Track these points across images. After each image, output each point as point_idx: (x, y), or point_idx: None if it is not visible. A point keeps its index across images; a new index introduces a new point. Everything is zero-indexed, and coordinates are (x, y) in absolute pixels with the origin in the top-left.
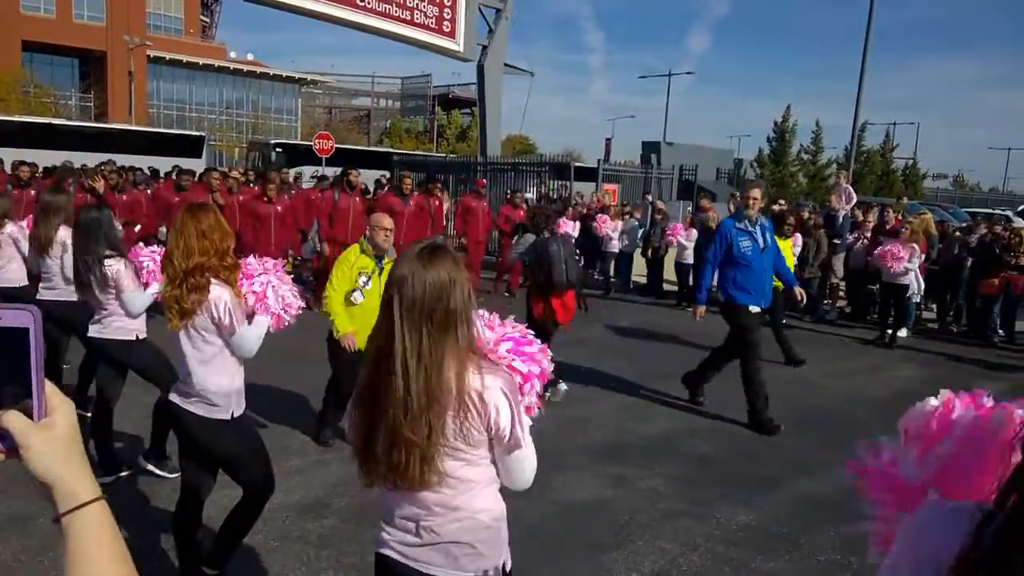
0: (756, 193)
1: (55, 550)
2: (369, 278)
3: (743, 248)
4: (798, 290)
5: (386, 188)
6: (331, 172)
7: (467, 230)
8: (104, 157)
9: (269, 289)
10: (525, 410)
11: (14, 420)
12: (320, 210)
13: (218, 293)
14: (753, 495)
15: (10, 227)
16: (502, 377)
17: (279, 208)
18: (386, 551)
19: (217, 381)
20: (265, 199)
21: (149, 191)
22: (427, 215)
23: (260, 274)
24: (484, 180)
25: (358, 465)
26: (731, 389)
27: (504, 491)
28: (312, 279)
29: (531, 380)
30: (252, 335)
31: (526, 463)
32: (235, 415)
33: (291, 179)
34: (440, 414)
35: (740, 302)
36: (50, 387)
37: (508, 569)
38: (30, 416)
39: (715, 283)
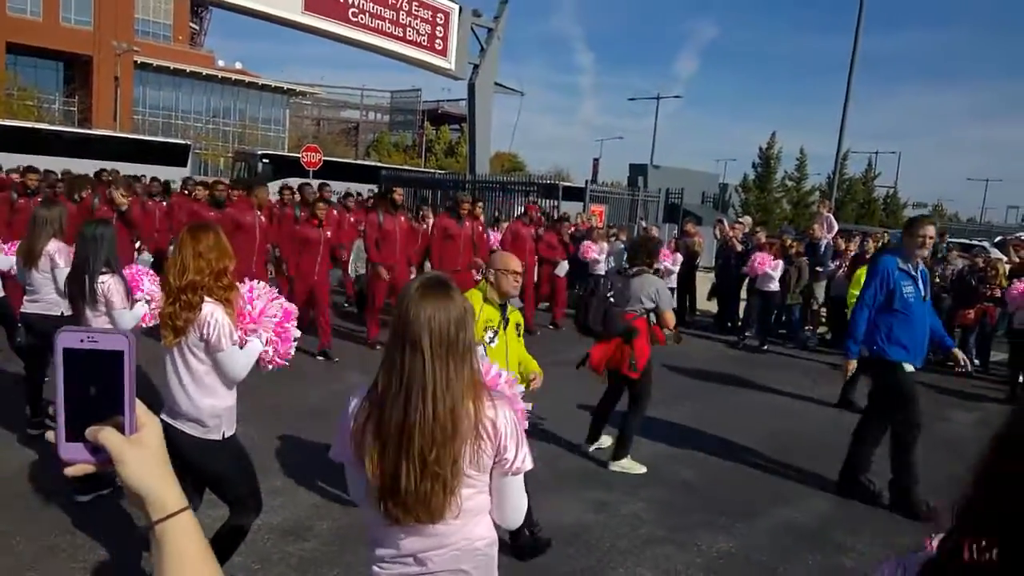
0: (931, 231)
1: (36, 567)
2: (496, 333)
3: (906, 294)
4: (959, 354)
5: (414, 208)
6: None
7: (445, 256)
8: (88, 163)
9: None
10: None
11: (110, 436)
12: (364, 234)
13: (209, 310)
14: (734, 522)
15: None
16: (509, 405)
17: (328, 233)
18: None
19: (210, 401)
20: (315, 222)
21: (164, 203)
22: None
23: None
24: (536, 205)
25: (384, 506)
26: (712, 414)
27: None
28: (354, 308)
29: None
30: (239, 357)
31: (521, 494)
32: (226, 435)
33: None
34: (462, 444)
35: (894, 358)
36: (139, 405)
37: None
38: (122, 431)
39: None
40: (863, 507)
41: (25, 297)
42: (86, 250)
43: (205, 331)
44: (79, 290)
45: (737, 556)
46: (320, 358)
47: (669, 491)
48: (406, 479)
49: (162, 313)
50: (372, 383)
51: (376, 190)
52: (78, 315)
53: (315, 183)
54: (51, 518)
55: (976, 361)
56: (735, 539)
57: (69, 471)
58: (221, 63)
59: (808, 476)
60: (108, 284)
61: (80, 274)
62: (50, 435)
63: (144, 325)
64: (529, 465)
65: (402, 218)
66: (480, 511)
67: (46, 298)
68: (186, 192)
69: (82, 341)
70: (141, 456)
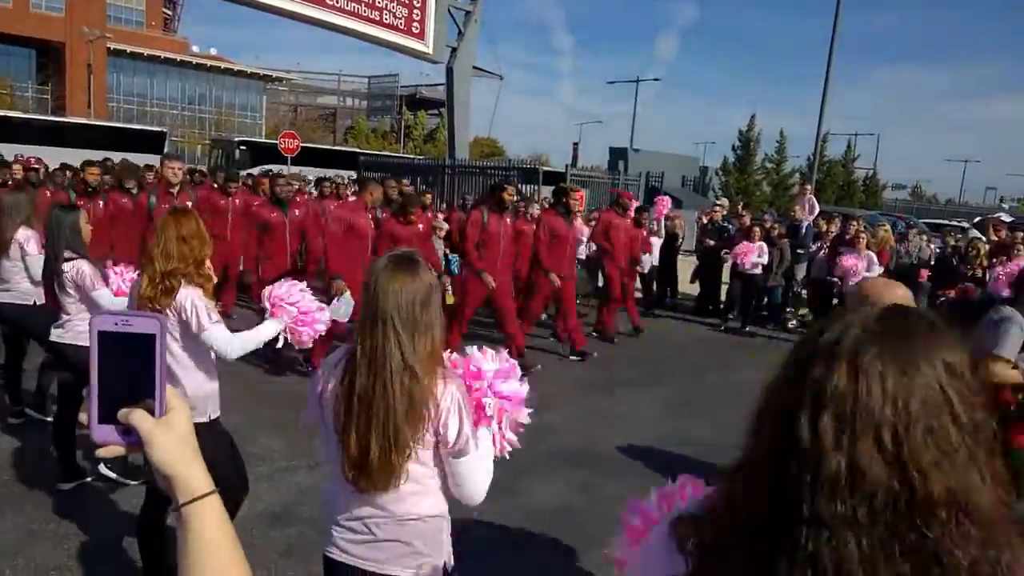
0: None
1: (22, 553)
2: None
3: None
4: None
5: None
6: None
7: (553, 256)
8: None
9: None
10: (502, 439)
11: (140, 418)
12: (464, 234)
13: (185, 294)
14: None
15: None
16: (456, 383)
17: (420, 226)
18: (331, 552)
19: (193, 382)
20: (403, 222)
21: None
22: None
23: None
24: (631, 192)
25: (353, 472)
26: (696, 396)
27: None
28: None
29: (507, 411)
30: (224, 335)
31: (477, 474)
32: (212, 416)
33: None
34: (416, 418)
35: None
36: (169, 388)
37: (450, 569)
38: (152, 414)
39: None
40: None
41: None
42: (50, 237)
43: (184, 315)
44: (49, 277)
45: None
46: None
47: (653, 473)
48: (373, 449)
49: (141, 296)
50: (349, 352)
51: (356, 176)
52: (52, 303)
53: (344, 174)
54: (35, 505)
55: None
56: None
57: (100, 452)
58: (195, 49)
59: None
60: (76, 268)
61: (49, 261)
62: (83, 416)
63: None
64: (475, 449)
65: (508, 220)
66: (426, 485)
67: (18, 287)
68: (247, 186)
69: (116, 324)
70: (170, 439)
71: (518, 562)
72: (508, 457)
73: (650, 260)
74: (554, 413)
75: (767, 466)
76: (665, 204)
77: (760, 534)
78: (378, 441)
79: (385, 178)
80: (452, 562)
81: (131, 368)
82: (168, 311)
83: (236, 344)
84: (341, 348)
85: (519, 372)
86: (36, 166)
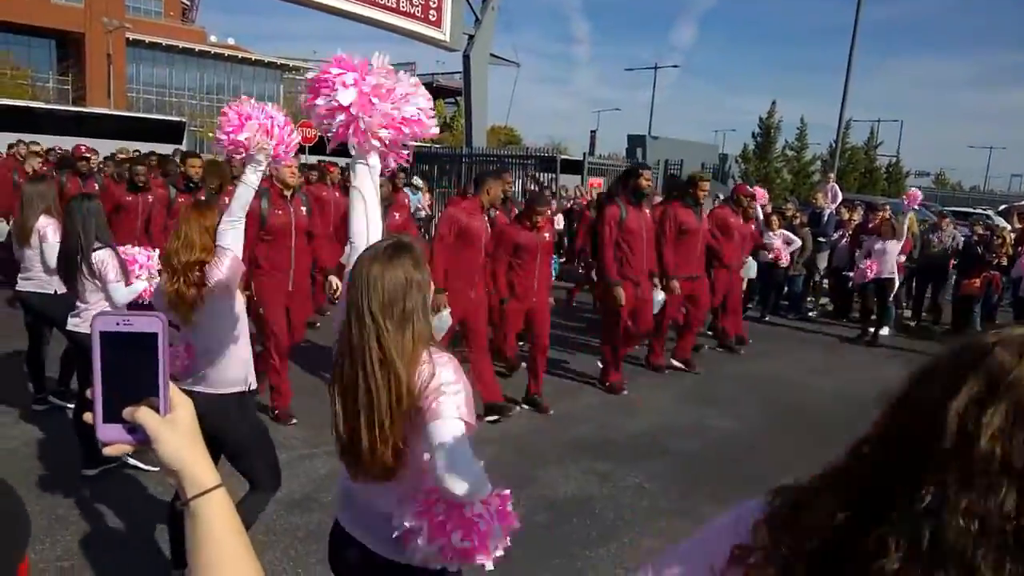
0: None
1: (47, 539)
2: None
3: None
4: None
5: (664, 196)
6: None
7: (681, 253)
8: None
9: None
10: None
11: (146, 416)
12: (601, 234)
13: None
14: (738, 494)
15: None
16: (448, 367)
17: (547, 235)
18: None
19: (235, 351)
20: (529, 226)
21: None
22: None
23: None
24: (744, 184)
25: (347, 461)
26: (713, 387)
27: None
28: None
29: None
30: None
31: (461, 456)
32: (251, 386)
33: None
34: (401, 406)
35: None
36: (172, 385)
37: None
38: (157, 411)
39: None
40: None
41: (20, 275)
42: (75, 226)
43: (211, 282)
44: (71, 266)
45: None
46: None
47: (671, 462)
48: (363, 441)
49: (169, 291)
50: (337, 342)
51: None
52: (73, 292)
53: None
54: (60, 491)
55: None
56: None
57: (107, 451)
58: (213, 39)
59: (811, 447)
60: (103, 259)
61: (71, 250)
62: (88, 416)
63: (143, 300)
64: (454, 414)
65: (647, 211)
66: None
67: (39, 276)
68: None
69: (118, 324)
70: (175, 435)
71: (536, 552)
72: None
73: (755, 267)
74: (572, 403)
75: (900, 448)
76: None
77: (874, 519)
78: (367, 434)
79: (503, 171)
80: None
81: (134, 367)
82: (203, 298)
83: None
84: None
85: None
86: (88, 154)
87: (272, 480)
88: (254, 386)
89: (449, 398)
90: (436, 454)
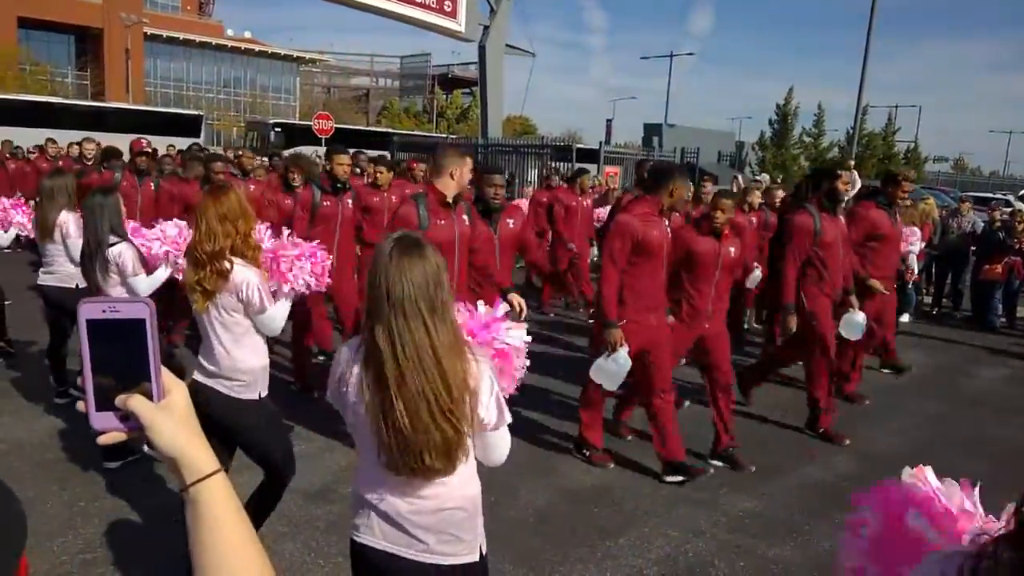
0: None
1: (69, 532)
2: None
3: None
4: None
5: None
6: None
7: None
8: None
9: (295, 269)
10: (508, 385)
11: (139, 403)
12: (790, 246)
13: (245, 275)
14: (757, 482)
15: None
16: (487, 361)
17: (732, 248)
18: (361, 536)
19: (247, 359)
20: (706, 231)
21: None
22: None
23: (285, 254)
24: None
25: (404, 461)
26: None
27: (510, 478)
28: None
29: (513, 360)
30: (279, 314)
31: (504, 440)
32: (262, 395)
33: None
34: (461, 402)
35: None
36: (165, 371)
37: (484, 551)
38: (150, 398)
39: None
40: (889, 465)
41: (42, 269)
42: (93, 220)
43: (245, 294)
44: (90, 261)
45: (762, 515)
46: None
47: (689, 451)
48: (429, 438)
49: (188, 279)
50: (366, 343)
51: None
52: (92, 286)
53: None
54: (82, 484)
55: (1002, 318)
56: (759, 499)
57: (102, 440)
58: (230, 32)
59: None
60: (120, 252)
61: (89, 245)
62: (80, 405)
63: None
64: (508, 419)
65: (841, 219)
66: (468, 466)
67: (60, 270)
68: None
69: (104, 312)
70: (171, 421)
71: (555, 542)
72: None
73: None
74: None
75: None
76: None
77: None
78: (434, 429)
79: (680, 167)
80: (485, 546)
81: (124, 354)
82: (224, 292)
83: (281, 318)
84: (355, 339)
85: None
86: (147, 149)
87: (287, 468)
88: (264, 393)
89: (491, 402)
90: (492, 451)
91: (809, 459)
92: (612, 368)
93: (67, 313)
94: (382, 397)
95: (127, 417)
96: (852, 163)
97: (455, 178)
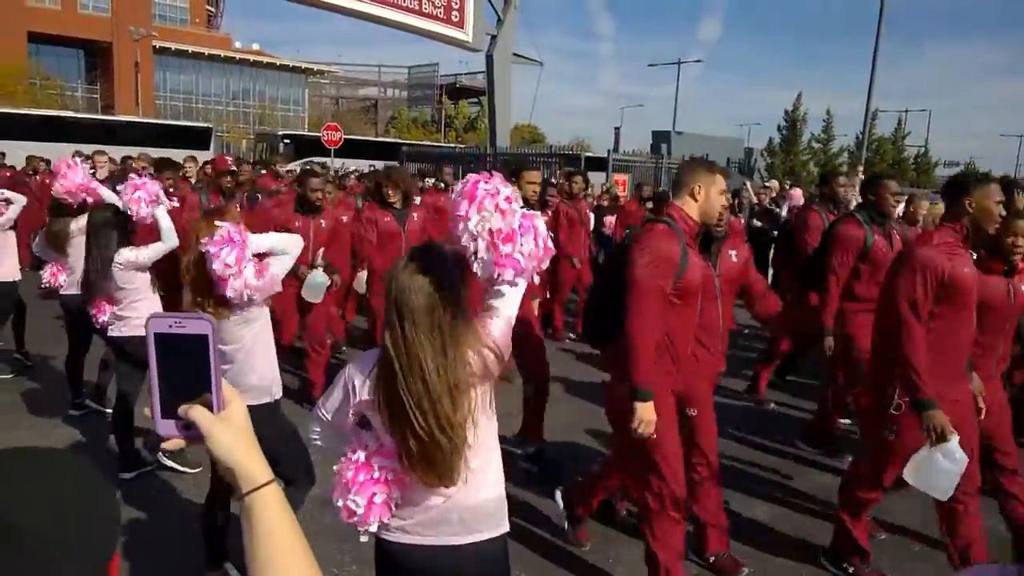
0: None
1: None
2: None
3: None
4: None
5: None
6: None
7: None
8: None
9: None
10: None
11: (199, 414)
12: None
13: (239, 285)
14: (768, 488)
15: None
16: (489, 322)
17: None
18: (388, 534)
19: (261, 366)
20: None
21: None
22: None
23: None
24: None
25: (417, 467)
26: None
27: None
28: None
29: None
30: (280, 266)
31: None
32: (276, 397)
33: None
34: (466, 407)
35: None
36: (225, 383)
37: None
38: (210, 409)
39: None
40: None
41: (62, 278)
42: (98, 238)
43: (247, 296)
44: (95, 278)
45: (774, 521)
46: None
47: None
48: (434, 446)
49: (190, 303)
50: (381, 352)
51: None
52: (91, 299)
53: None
54: None
55: None
56: (770, 505)
57: (165, 445)
58: (238, 45)
59: (838, 441)
60: (122, 255)
61: (94, 263)
62: (147, 411)
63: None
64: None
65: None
66: (487, 460)
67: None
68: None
69: (170, 326)
70: (228, 432)
71: (557, 539)
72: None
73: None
74: (595, 399)
75: None
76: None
77: None
78: (437, 438)
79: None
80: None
81: (187, 366)
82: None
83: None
84: (373, 350)
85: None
86: (232, 167)
87: (306, 478)
88: (278, 396)
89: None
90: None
91: None
92: (945, 467)
93: (86, 323)
94: (393, 408)
95: (189, 426)
96: (861, 168)
97: (699, 199)
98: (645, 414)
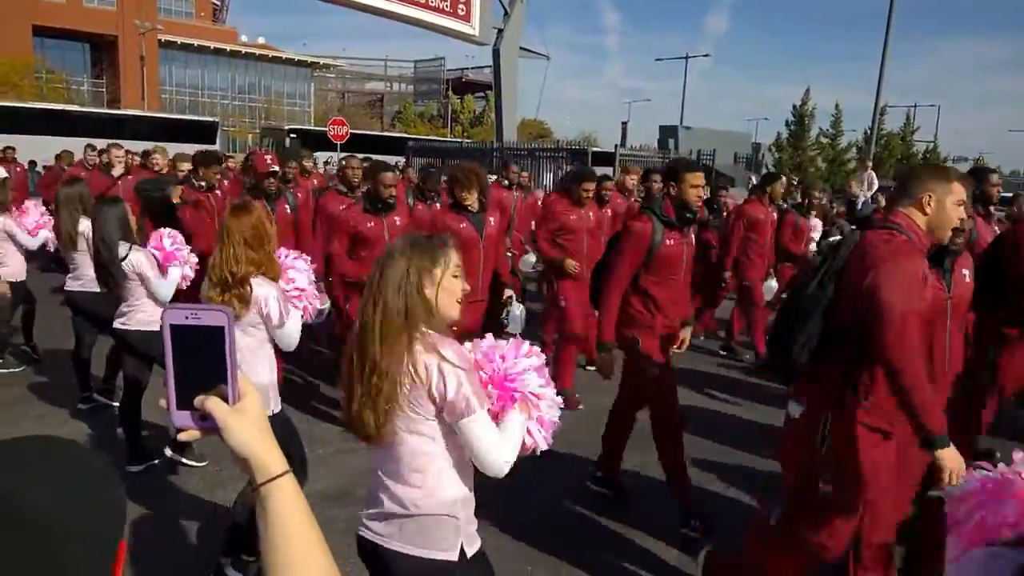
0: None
1: None
2: None
3: None
4: None
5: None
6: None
7: None
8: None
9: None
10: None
11: (215, 405)
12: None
13: (266, 291)
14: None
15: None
16: (452, 349)
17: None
18: (360, 531)
19: (259, 374)
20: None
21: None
22: None
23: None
24: None
25: (350, 421)
26: (748, 382)
27: (532, 478)
28: None
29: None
30: (295, 328)
31: (481, 441)
32: (274, 411)
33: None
34: (392, 376)
35: None
36: (240, 375)
37: (468, 555)
38: (226, 400)
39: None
40: None
41: (68, 276)
42: (101, 230)
43: (265, 310)
44: (105, 269)
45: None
46: None
47: (712, 449)
48: (354, 403)
49: (209, 298)
50: None
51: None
52: (105, 288)
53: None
54: None
55: None
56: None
57: (181, 436)
58: (244, 39)
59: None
60: (137, 259)
61: (100, 254)
62: (163, 402)
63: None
64: (478, 410)
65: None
66: (433, 461)
67: (86, 275)
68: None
69: (186, 318)
70: (244, 423)
71: (576, 542)
72: (539, 454)
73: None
74: (611, 397)
75: None
76: None
77: None
78: (361, 397)
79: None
80: (472, 549)
81: (203, 357)
82: (245, 311)
83: (297, 333)
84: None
85: (544, 369)
86: (274, 167)
87: (301, 473)
88: (277, 410)
89: (461, 387)
90: (473, 451)
91: None
92: None
93: (93, 318)
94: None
95: (204, 417)
96: (870, 164)
97: (929, 212)
98: (954, 462)
